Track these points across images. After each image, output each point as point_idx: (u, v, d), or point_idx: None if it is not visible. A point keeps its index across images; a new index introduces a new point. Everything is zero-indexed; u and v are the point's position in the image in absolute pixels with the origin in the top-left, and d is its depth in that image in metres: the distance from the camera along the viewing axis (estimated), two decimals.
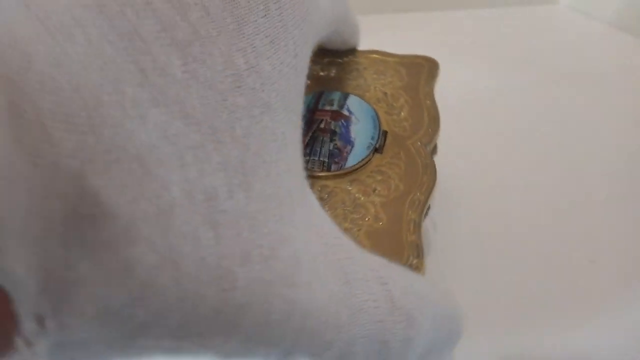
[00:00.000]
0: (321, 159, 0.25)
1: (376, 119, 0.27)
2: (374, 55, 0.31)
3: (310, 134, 0.26)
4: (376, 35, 0.32)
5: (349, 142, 0.26)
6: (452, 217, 0.34)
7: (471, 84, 0.49)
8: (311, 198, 0.16)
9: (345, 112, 0.27)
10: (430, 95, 0.29)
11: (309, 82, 0.19)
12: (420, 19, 0.64)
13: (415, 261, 0.22)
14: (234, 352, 0.13)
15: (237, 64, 0.13)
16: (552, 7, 0.66)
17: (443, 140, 0.28)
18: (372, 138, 0.26)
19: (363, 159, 0.25)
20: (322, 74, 0.29)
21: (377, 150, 0.26)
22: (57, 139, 0.09)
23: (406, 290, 0.17)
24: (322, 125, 0.26)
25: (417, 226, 0.23)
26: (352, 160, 0.25)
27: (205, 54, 0.12)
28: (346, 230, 0.22)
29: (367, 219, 0.23)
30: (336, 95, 0.28)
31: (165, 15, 0.11)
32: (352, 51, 0.31)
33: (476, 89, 0.48)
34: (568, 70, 0.53)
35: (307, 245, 0.15)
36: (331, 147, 0.25)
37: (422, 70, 0.31)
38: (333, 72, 0.30)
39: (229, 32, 0.13)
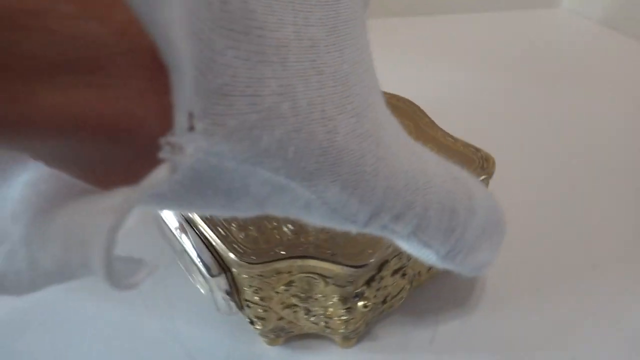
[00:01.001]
0: None
1: None
2: None
3: None
4: (380, 39, 0.33)
5: None
6: None
7: (475, 86, 0.48)
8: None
9: None
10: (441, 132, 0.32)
11: None
12: (423, 22, 0.61)
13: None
14: (332, 200, 0.15)
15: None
16: (554, 11, 0.65)
17: None
18: None
19: None
20: None
21: None
22: None
23: (464, 175, 0.21)
24: None
25: None
26: None
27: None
28: None
29: None
30: None
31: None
32: None
33: (479, 91, 0.47)
34: (569, 71, 0.53)
35: (386, 119, 0.18)
36: None
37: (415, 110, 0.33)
38: None
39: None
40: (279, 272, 0.25)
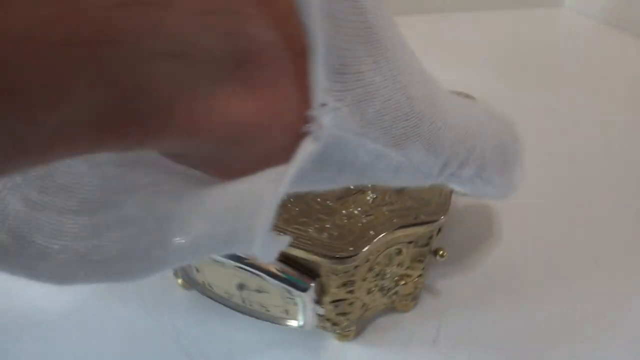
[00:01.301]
0: None
1: None
2: None
3: None
4: None
5: None
6: (455, 218, 0.34)
7: (477, 84, 0.44)
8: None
9: None
10: None
11: None
12: (424, 21, 0.57)
13: None
14: (416, 159, 0.17)
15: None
16: (556, 10, 0.62)
17: None
18: None
19: None
20: None
21: None
22: None
23: (496, 111, 0.24)
24: None
25: None
26: None
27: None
28: None
29: None
30: None
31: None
32: None
33: (480, 90, 0.40)
34: (571, 70, 0.51)
35: (431, 79, 0.20)
36: None
37: None
38: None
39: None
40: (369, 256, 0.25)
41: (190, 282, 0.29)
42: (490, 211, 0.36)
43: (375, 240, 0.24)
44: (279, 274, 0.24)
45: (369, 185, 0.27)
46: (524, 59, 0.55)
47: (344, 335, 0.29)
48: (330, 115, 0.13)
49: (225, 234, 0.13)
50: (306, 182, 0.15)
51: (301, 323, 0.27)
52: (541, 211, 0.37)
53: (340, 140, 0.14)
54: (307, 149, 0.13)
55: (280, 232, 0.24)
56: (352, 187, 0.27)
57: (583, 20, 0.63)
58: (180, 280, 0.31)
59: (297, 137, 0.13)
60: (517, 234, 0.35)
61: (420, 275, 0.28)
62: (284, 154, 0.13)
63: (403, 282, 0.28)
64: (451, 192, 0.27)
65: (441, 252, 0.27)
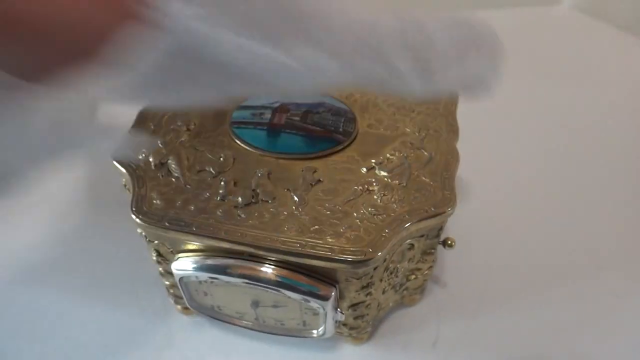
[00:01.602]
0: None
1: None
2: None
3: None
4: None
5: None
6: (456, 222, 0.33)
7: None
8: None
9: None
10: None
11: None
12: None
13: None
14: (311, 61, 0.17)
15: None
16: (555, 9, 0.60)
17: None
18: None
19: None
20: None
21: None
22: None
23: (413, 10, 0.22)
24: None
25: None
26: None
27: None
28: None
29: None
30: None
31: None
32: None
33: None
34: (570, 68, 0.49)
35: None
36: None
37: None
38: None
39: None
40: (385, 256, 0.24)
41: (197, 307, 0.28)
42: (492, 214, 0.36)
43: (392, 238, 0.24)
44: (298, 286, 0.23)
45: (374, 184, 0.26)
46: (523, 57, 0.54)
47: (359, 338, 0.29)
48: (177, 6, 0.13)
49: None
50: (166, 78, 0.15)
51: (321, 332, 0.26)
52: (543, 214, 0.37)
53: (198, 34, 0.13)
54: (158, 42, 0.12)
55: (298, 244, 0.23)
56: (357, 187, 0.26)
57: (582, 18, 0.62)
58: (179, 307, 0.30)
59: (121, 21, 0.12)
60: (517, 237, 0.35)
61: (430, 267, 0.28)
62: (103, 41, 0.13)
63: (414, 277, 0.28)
64: (455, 171, 0.27)
65: (449, 242, 0.28)
